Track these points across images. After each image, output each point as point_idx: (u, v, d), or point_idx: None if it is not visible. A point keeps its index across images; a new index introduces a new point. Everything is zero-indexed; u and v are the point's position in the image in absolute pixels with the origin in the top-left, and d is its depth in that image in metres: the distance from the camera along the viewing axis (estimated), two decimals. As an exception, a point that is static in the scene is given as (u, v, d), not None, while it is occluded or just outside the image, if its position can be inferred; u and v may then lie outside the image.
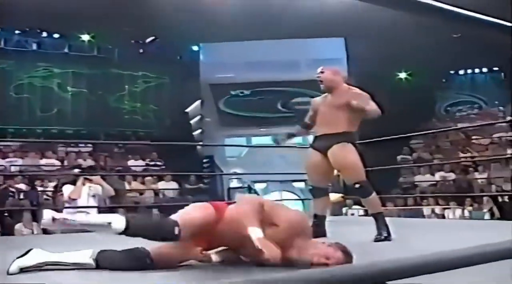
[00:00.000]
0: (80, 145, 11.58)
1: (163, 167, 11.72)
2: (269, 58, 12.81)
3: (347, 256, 1.99)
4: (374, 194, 3.21)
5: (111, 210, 8.49)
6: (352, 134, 3.31)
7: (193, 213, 2.18)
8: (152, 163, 11.75)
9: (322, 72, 3.49)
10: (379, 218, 3.14)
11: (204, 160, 12.67)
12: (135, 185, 10.05)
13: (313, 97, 14.09)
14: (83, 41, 13.36)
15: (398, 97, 12.82)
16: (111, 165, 10.83)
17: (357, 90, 3.43)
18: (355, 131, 3.32)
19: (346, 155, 3.22)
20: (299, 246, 2.05)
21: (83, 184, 4.96)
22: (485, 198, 7.93)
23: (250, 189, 11.33)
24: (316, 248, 2.04)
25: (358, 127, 3.35)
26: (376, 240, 3.06)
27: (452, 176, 9.73)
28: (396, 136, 5.67)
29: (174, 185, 10.35)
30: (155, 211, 9.11)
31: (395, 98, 12.62)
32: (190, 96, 13.85)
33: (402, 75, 15.17)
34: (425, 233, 3.53)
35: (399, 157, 11.07)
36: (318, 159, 3.35)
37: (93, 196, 5.01)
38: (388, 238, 3.08)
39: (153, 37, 13.10)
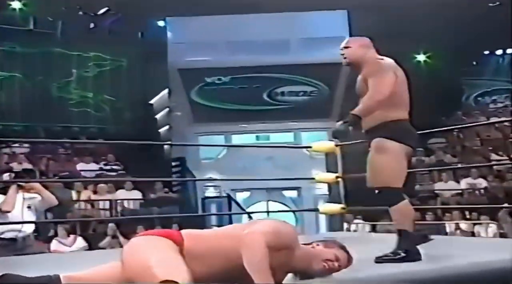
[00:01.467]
0: (14, 144, 11.50)
1: (122, 172, 11.69)
2: (252, 37, 12.77)
3: (348, 253, 2.31)
4: (403, 203, 3.08)
5: (53, 225, 8.49)
6: (389, 124, 3.08)
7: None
8: (108, 167, 11.72)
9: (347, 47, 3.27)
10: (403, 235, 3.01)
11: (173, 163, 12.66)
12: (86, 194, 10.03)
13: (306, 84, 14.25)
14: (14, 9, 13.03)
15: (415, 84, 12.87)
16: (54, 169, 10.77)
17: (380, 64, 3.20)
18: (396, 119, 3.08)
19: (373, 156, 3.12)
20: (301, 256, 2.22)
21: (17, 193, 4.92)
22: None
23: (229, 199, 11.35)
24: (323, 252, 2.26)
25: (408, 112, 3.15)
26: (387, 259, 2.95)
27: (482, 183, 9.83)
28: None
29: (135, 194, 10.34)
30: (111, 226, 9.11)
31: (410, 86, 12.75)
32: (155, 84, 13.80)
33: (421, 57, 15.30)
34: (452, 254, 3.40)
35: (413, 159, 11.17)
36: None
37: (29, 207, 4.97)
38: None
39: (106, 8, 13.00)
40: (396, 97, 3.06)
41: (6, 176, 5.76)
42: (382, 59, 3.29)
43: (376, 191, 3.08)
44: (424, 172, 10.56)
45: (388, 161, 3.02)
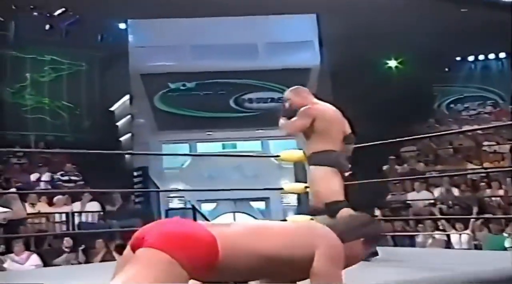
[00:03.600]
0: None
1: (81, 182, 11.52)
2: (218, 41, 12.71)
3: None
4: (346, 210, 3.56)
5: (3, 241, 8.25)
6: (316, 155, 3.80)
7: None
8: (66, 177, 11.53)
9: (288, 99, 3.93)
10: None
11: (135, 173, 12.52)
12: (41, 207, 9.83)
13: (274, 90, 14.25)
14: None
15: (386, 91, 13.07)
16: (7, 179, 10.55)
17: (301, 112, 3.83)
18: (321, 150, 3.76)
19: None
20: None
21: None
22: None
23: (194, 211, 11.25)
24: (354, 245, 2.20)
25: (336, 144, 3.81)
26: None
27: (455, 192, 9.94)
28: (379, 142, 5.65)
29: (94, 206, 10.17)
30: (67, 240, 8.93)
31: (382, 93, 12.87)
32: (115, 89, 13.65)
33: (392, 63, 15.49)
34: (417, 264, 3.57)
35: (385, 167, 11.26)
36: None
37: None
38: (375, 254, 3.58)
39: (63, 9, 12.77)
40: (322, 134, 3.75)
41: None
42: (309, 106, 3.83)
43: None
44: (396, 182, 10.64)
45: (320, 183, 3.73)
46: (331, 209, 3.66)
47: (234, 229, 2.09)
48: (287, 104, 3.92)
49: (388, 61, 15.42)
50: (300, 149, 5.23)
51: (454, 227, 8.53)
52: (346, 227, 2.24)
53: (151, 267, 1.82)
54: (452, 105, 15.68)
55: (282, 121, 3.94)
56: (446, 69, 15.78)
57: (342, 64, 12.42)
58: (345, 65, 12.40)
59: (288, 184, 5.50)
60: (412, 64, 14.76)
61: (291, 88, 4.00)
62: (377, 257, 3.61)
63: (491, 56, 15.76)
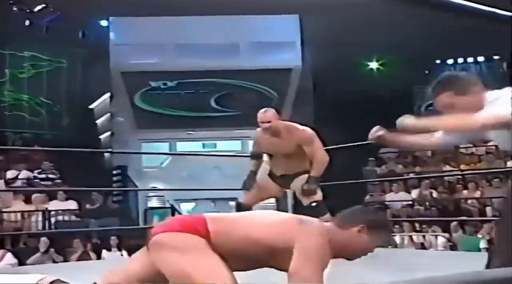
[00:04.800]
0: None
1: (58, 180, 11.43)
2: (200, 40, 12.64)
3: None
4: (328, 215, 3.98)
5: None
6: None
7: None
8: (43, 175, 11.44)
9: (269, 122, 4.34)
10: None
11: (114, 172, 12.46)
12: (17, 205, 9.74)
13: (257, 90, 14.21)
14: None
15: (368, 92, 13.16)
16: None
17: None
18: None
19: None
20: None
21: None
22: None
23: (173, 210, 11.24)
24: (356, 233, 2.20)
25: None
26: None
27: (433, 194, 10.07)
28: (355, 144, 5.74)
29: (71, 204, 10.11)
30: (43, 240, 8.86)
31: (363, 94, 12.95)
32: (96, 87, 13.56)
33: (373, 64, 15.58)
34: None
35: (364, 169, 11.35)
36: None
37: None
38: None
39: (43, 5, 12.65)
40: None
41: None
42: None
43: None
44: (375, 183, 10.74)
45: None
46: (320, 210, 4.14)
47: (226, 214, 2.28)
48: (267, 125, 4.31)
49: (369, 63, 15.50)
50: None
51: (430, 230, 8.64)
52: (346, 213, 2.25)
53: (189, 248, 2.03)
54: (430, 108, 15.75)
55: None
56: (426, 72, 15.91)
57: (324, 65, 12.47)
58: (327, 66, 12.45)
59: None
60: (393, 66, 14.88)
61: (267, 110, 4.42)
62: None
63: (470, 59, 15.94)
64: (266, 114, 4.35)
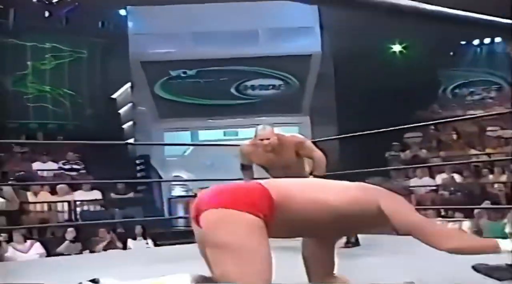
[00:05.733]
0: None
1: (83, 171, 11.64)
2: (218, 28, 12.68)
3: None
4: None
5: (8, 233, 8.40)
6: None
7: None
8: (68, 166, 11.66)
9: (268, 139, 4.21)
10: None
11: (137, 161, 12.61)
12: (43, 196, 9.96)
13: (277, 77, 14.15)
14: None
15: (390, 76, 13.08)
16: (9, 169, 10.65)
17: None
18: None
19: None
20: None
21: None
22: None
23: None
24: None
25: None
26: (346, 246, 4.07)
27: (457, 179, 10.03)
28: (381, 130, 5.72)
29: (95, 195, 10.31)
30: (70, 230, 9.07)
31: (386, 78, 12.89)
32: (117, 77, 13.69)
33: (396, 47, 15.45)
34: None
35: (387, 154, 11.33)
36: None
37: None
38: (357, 243, 4.17)
39: (62, -4, 12.84)
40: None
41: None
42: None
43: None
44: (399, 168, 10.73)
45: None
46: None
47: (286, 181, 2.26)
48: (266, 142, 4.17)
49: (392, 46, 15.37)
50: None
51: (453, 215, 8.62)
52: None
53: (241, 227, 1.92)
54: (457, 90, 15.60)
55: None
56: (451, 53, 15.71)
57: (344, 50, 12.41)
58: (348, 51, 12.38)
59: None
60: (417, 49, 14.72)
61: (265, 127, 4.30)
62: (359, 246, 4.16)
63: (497, 39, 15.65)
64: (265, 131, 4.23)
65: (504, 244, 2.06)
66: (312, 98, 12.70)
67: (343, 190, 2.17)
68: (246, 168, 4.52)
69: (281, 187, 2.10)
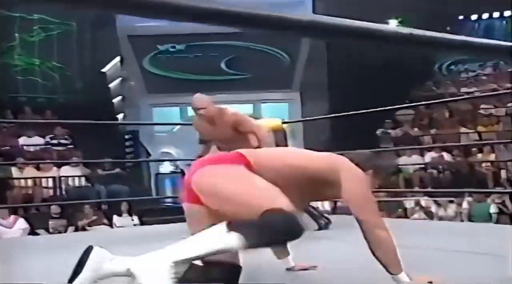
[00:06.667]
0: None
1: (70, 146, 11.63)
2: (206, 1, 12.60)
3: None
4: None
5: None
6: None
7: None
8: (55, 141, 11.63)
9: (204, 108, 4.18)
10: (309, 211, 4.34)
11: (126, 137, 12.61)
12: (29, 171, 9.96)
13: (268, 52, 14.04)
14: None
15: (385, 52, 13.02)
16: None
17: None
18: None
19: None
20: None
21: None
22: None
23: (184, 175, 11.38)
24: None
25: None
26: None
27: (446, 157, 10.06)
28: (369, 110, 5.66)
29: (82, 170, 10.30)
30: (54, 207, 9.12)
31: (380, 54, 12.83)
32: (107, 50, 13.66)
33: (392, 22, 15.36)
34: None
35: (379, 132, 11.34)
36: None
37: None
38: (327, 226, 4.35)
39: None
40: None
41: None
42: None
43: None
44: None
45: None
46: None
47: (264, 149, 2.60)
48: (202, 111, 4.14)
49: (388, 21, 15.25)
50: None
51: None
52: (361, 157, 2.38)
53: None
54: (452, 67, 15.56)
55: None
56: (448, 29, 15.58)
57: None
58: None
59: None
60: (413, 24, 14.59)
61: (201, 96, 4.26)
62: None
63: (496, 14, 15.56)
64: (200, 99, 4.20)
65: (403, 277, 2.10)
66: (303, 74, 12.64)
67: (316, 157, 2.30)
68: (201, 142, 4.55)
69: (258, 152, 2.32)
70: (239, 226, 1.92)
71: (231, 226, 1.92)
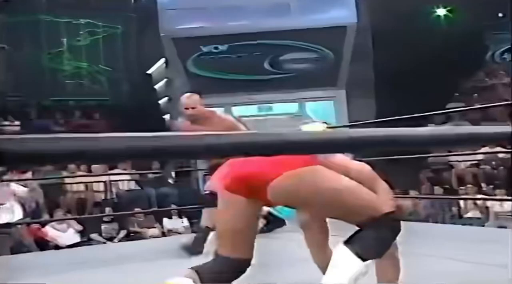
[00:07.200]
0: (5, 122, 11.78)
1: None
2: (250, 1, 12.70)
3: None
4: None
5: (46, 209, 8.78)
6: None
7: None
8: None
9: (194, 108, 4.07)
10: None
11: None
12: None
13: (311, 50, 13.94)
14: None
15: (434, 43, 12.76)
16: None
17: None
18: None
19: None
20: None
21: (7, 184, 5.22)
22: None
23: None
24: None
25: None
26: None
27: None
28: (416, 115, 5.54)
29: (131, 174, 10.50)
30: (107, 209, 9.40)
31: (429, 46, 12.58)
32: (151, 52, 13.82)
33: (441, 11, 15.02)
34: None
35: (428, 127, 11.14)
36: None
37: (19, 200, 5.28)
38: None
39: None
40: None
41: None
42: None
43: None
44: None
45: None
46: None
47: None
48: (191, 111, 4.03)
49: (436, 10, 14.94)
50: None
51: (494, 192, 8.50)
52: None
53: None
54: (505, 55, 15.07)
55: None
56: (501, 15, 15.15)
57: (384, 18, 12.08)
58: (387, 19, 12.06)
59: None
60: (463, 11, 14.24)
61: (191, 95, 4.12)
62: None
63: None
64: (190, 99, 4.05)
65: None
66: (349, 71, 12.51)
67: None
68: None
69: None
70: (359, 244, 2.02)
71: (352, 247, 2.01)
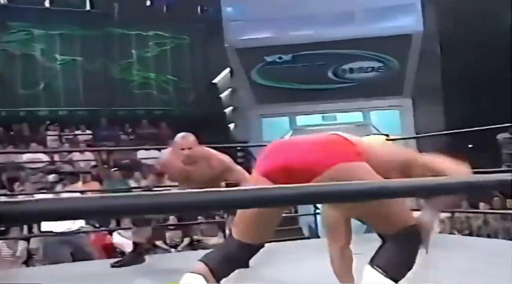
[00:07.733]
0: (77, 131, 12.22)
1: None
2: (313, 11, 12.70)
3: None
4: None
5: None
6: None
7: None
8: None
9: (190, 148, 3.99)
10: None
11: (238, 148, 12.91)
12: (146, 183, 10.45)
13: (376, 59, 13.81)
14: (69, -9, 13.52)
15: (507, 49, 12.34)
16: (115, 157, 11.14)
17: None
18: None
19: None
20: None
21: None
22: None
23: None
24: None
25: None
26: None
27: None
28: (485, 128, 5.40)
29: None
30: (172, 217, 9.58)
31: (502, 51, 12.15)
32: (217, 62, 14.09)
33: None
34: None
35: (500, 137, 10.79)
36: None
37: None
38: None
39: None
40: None
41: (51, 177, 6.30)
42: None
43: None
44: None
45: None
46: None
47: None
48: (187, 152, 3.94)
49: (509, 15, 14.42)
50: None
51: None
52: None
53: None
54: None
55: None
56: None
57: (451, 24, 11.84)
58: (455, 25, 11.80)
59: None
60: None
61: (186, 135, 4.05)
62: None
63: None
64: (186, 139, 3.99)
65: None
66: (415, 79, 12.31)
67: None
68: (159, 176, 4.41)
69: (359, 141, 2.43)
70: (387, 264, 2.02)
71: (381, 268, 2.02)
